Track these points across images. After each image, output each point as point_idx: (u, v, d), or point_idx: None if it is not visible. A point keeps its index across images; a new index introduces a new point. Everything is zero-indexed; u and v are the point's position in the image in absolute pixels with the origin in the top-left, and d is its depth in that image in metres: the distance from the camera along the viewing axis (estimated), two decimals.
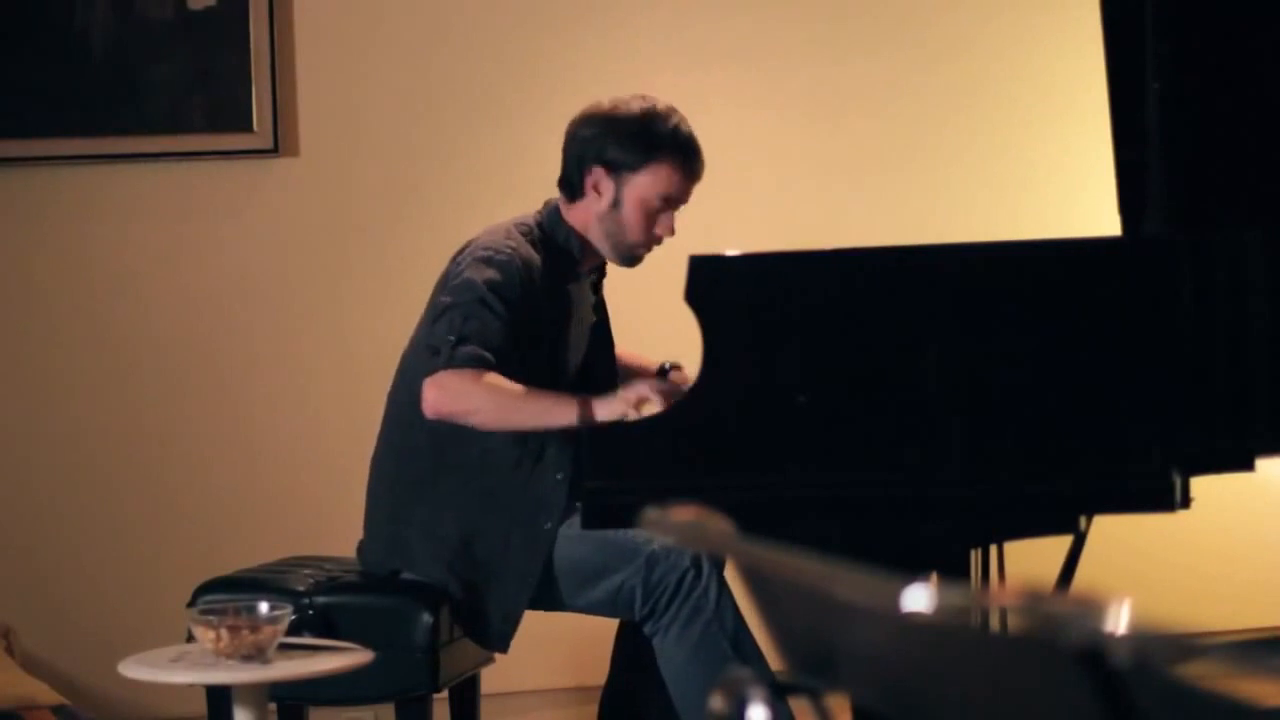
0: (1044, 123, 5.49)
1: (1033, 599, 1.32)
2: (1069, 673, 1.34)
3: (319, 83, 5.35)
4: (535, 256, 3.96)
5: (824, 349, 3.52)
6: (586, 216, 4.02)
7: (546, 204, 4.08)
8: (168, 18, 5.28)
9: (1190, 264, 3.52)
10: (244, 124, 5.29)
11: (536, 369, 3.85)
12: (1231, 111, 3.79)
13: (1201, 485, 3.58)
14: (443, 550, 3.99)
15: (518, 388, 3.79)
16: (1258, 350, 3.53)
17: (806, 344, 3.52)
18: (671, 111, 4.00)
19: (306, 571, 4.18)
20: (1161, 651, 1.27)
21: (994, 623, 1.51)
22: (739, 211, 5.35)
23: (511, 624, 3.98)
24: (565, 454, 3.90)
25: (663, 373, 4.22)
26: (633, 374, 4.29)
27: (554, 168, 4.10)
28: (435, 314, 3.92)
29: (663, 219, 4.00)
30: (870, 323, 3.52)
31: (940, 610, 1.45)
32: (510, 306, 3.85)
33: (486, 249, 3.93)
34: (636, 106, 3.99)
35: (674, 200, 4.00)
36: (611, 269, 4.20)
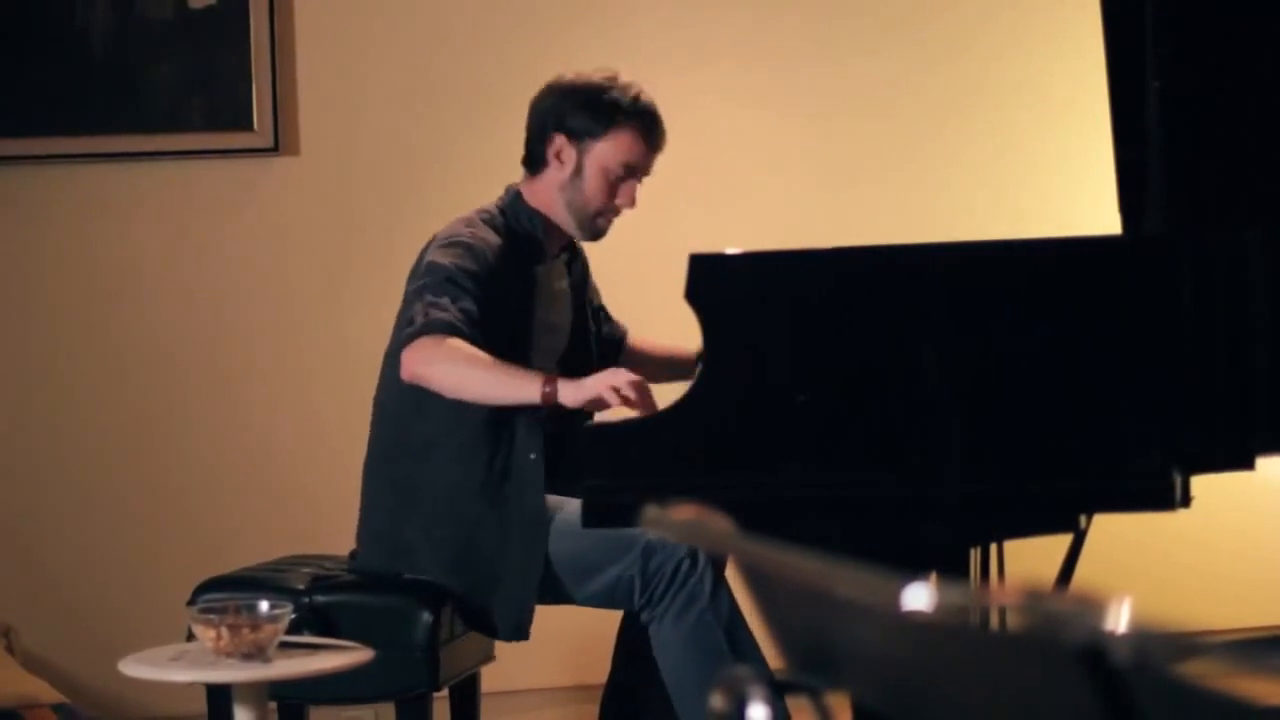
0: (1044, 122, 5.49)
1: (1033, 597, 1.32)
2: (1069, 672, 1.34)
3: (319, 82, 5.35)
4: (496, 240, 3.99)
5: (824, 347, 3.52)
6: (549, 190, 4.05)
7: (507, 190, 4.11)
8: (168, 17, 5.28)
9: (1190, 263, 3.52)
10: (244, 123, 5.29)
11: (501, 352, 3.87)
12: (1231, 110, 3.79)
13: (1202, 484, 3.58)
14: (443, 551, 3.99)
15: (487, 357, 3.81)
16: (1258, 349, 3.53)
17: (807, 342, 3.52)
18: (633, 82, 4.04)
19: (306, 570, 4.18)
20: (1162, 650, 1.27)
21: (994, 621, 1.51)
22: (740, 211, 5.35)
23: (527, 612, 3.97)
24: (534, 434, 3.92)
25: (700, 358, 4.21)
26: (671, 363, 4.30)
27: None
28: (407, 302, 3.94)
29: (624, 188, 4.03)
30: (871, 321, 3.52)
31: (940, 609, 1.45)
32: (478, 283, 3.88)
33: (448, 237, 3.98)
34: (598, 76, 4.04)
35: (635, 169, 4.03)
36: (588, 247, 4.21)
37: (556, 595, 3.99)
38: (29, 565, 5.25)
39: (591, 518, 3.57)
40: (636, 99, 4.01)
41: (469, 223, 4.02)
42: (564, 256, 4.18)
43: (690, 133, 5.16)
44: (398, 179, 5.35)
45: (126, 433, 5.30)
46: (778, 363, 3.51)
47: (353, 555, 4.19)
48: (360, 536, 4.17)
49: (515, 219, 4.05)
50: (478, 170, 5.29)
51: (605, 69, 4.06)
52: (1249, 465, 3.54)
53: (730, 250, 3.68)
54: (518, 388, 3.79)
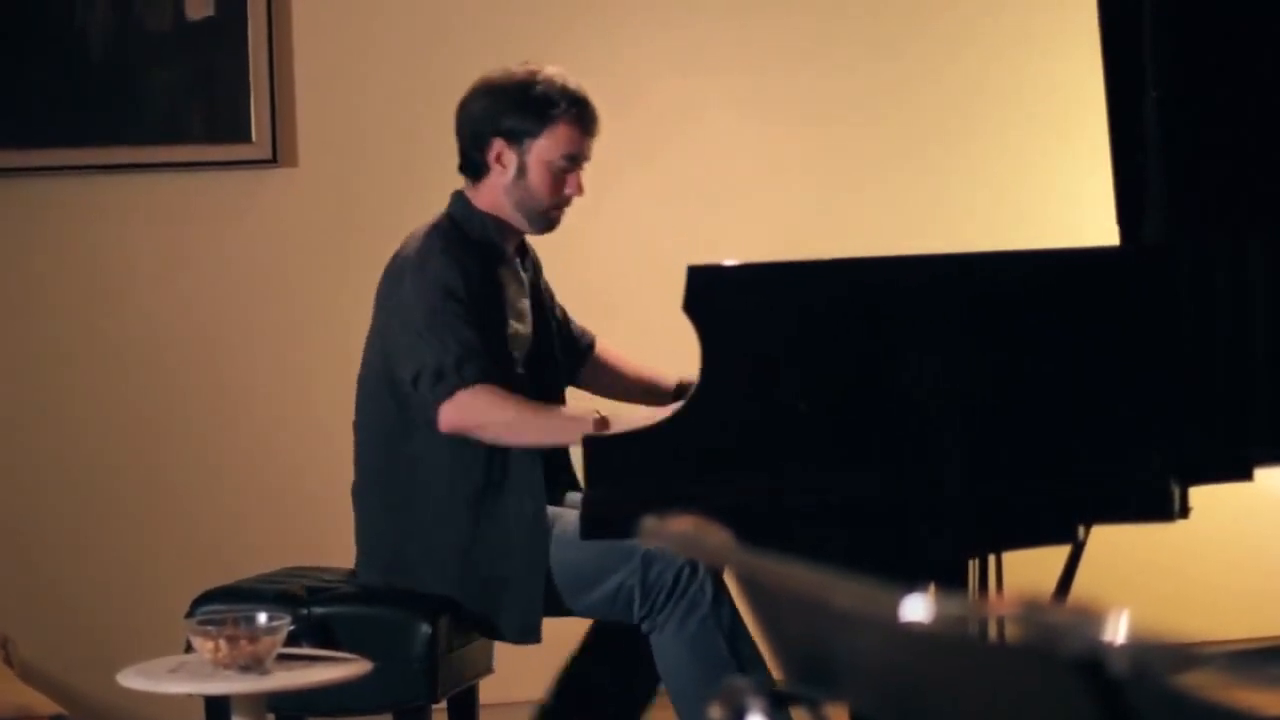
0: (1043, 128, 5.49)
1: (1031, 608, 1.32)
2: (1068, 682, 1.34)
3: (317, 93, 5.35)
4: (455, 253, 3.97)
5: (822, 358, 3.52)
6: (494, 193, 4.04)
7: (453, 198, 4.10)
8: (166, 27, 5.29)
9: (1189, 272, 3.52)
10: (243, 134, 5.29)
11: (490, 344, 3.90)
12: (1230, 116, 3.79)
13: (1200, 495, 3.58)
14: (447, 563, 3.99)
15: (529, 403, 3.85)
16: (1256, 359, 3.53)
17: (805, 353, 3.52)
18: (557, 71, 4.03)
19: (305, 581, 4.18)
20: (1160, 661, 1.27)
21: (992, 632, 1.51)
22: (737, 218, 5.35)
23: (535, 614, 3.96)
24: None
25: (680, 391, 4.20)
26: (648, 390, 4.31)
27: None
28: (407, 344, 3.94)
29: (570, 178, 4.02)
30: (868, 332, 3.52)
31: (939, 620, 1.45)
32: (468, 307, 3.89)
33: (418, 260, 3.96)
34: (521, 72, 4.02)
35: (576, 158, 4.02)
36: (535, 241, 4.22)
37: (556, 608, 3.99)
38: (27, 576, 5.25)
39: (591, 528, 3.57)
40: (565, 89, 3.99)
41: (429, 240, 3.99)
42: (519, 255, 4.17)
43: (687, 139, 5.18)
44: (395, 190, 5.34)
45: (125, 443, 5.29)
46: (776, 374, 3.51)
47: (353, 574, 4.18)
48: (359, 561, 4.16)
49: (469, 226, 4.04)
50: None
51: (525, 62, 4.04)
52: (1247, 476, 3.54)
53: (728, 262, 3.68)
54: (572, 430, 3.79)
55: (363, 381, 4.10)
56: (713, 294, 3.52)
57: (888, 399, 3.49)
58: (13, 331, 5.28)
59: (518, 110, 3.98)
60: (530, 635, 3.99)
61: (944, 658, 1.55)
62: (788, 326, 3.54)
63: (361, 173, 5.36)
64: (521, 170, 4.00)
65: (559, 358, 4.21)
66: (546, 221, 4.06)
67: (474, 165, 4.06)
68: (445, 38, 5.37)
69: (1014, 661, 1.44)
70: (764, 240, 5.26)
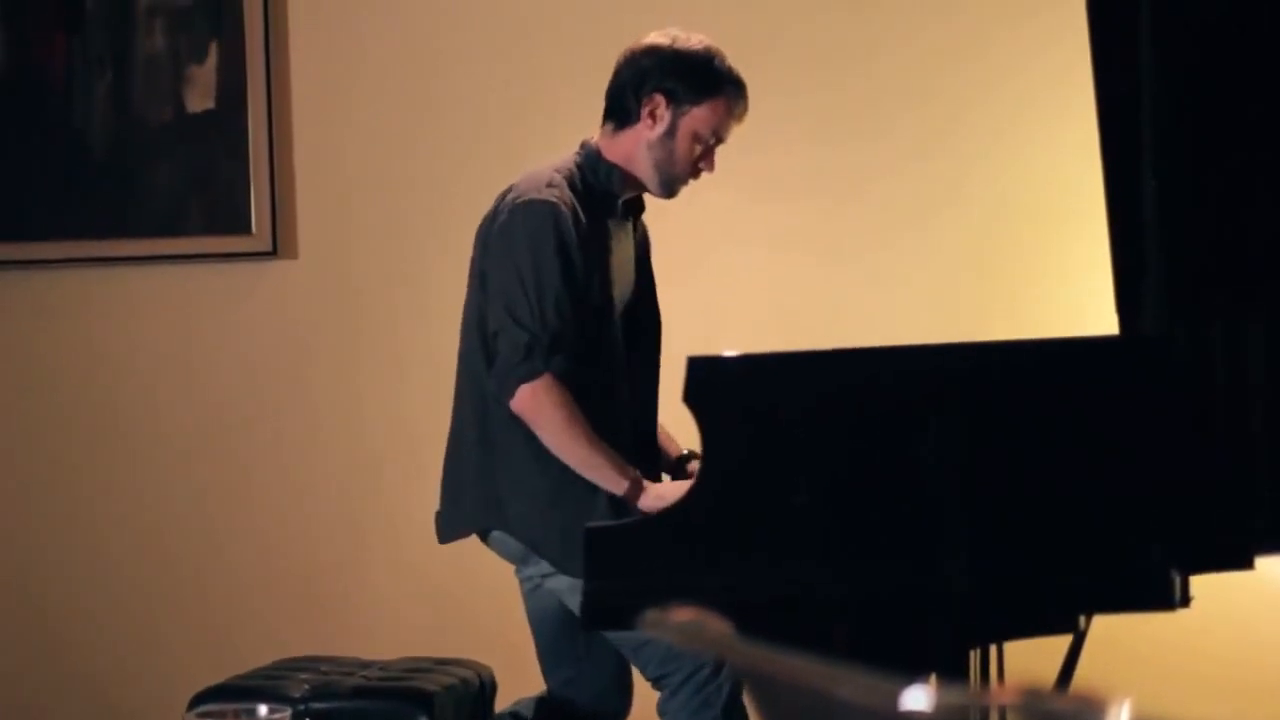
0: (1042, 210, 5.48)
1: (1033, 698, 1.32)
2: None
3: (317, 185, 5.37)
4: (573, 200, 4.00)
5: (822, 449, 3.52)
6: (633, 145, 4.08)
7: (584, 145, 4.12)
8: (166, 120, 5.32)
9: (1188, 361, 3.52)
10: (243, 226, 5.31)
11: (585, 312, 3.92)
12: (1229, 205, 3.80)
13: (1201, 584, 3.57)
14: (536, 503, 3.96)
15: (588, 431, 3.85)
16: (1257, 447, 3.53)
17: (805, 444, 3.52)
18: (723, 52, 4.09)
19: (304, 676, 4.16)
20: None
21: None
22: (730, 294, 5.34)
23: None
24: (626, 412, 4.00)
25: (682, 461, 4.21)
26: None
27: None
28: (503, 286, 3.93)
29: (709, 155, 4.08)
30: (869, 423, 3.52)
31: (940, 710, 1.44)
32: (575, 267, 3.92)
33: (530, 198, 3.98)
34: (698, 44, 4.08)
35: (720, 137, 4.09)
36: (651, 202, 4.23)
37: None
38: (24, 673, 5.23)
39: (592, 618, 3.56)
40: (733, 73, 4.07)
41: (551, 182, 4.01)
42: (630, 217, 4.19)
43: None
44: (394, 282, 5.36)
45: (126, 532, 5.29)
46: (777, 464, 3.51)
47: (438, 518, 4.13)
48: (448, 494, 4.11)
49: (593, 174, 4.08)
50: None
51: (698, 36, 4.09)
52: (1248, 565, 3.54)
53: (728, 353, 3.69)
54: (605, 477, 3.84)
55: (466, 318, 4.09)
56: (713, 385, 3.52)
57: (888, 490, 3.48)
58: (14, 422, 5.29)
59: (688, 75, 4.04)
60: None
61: None
62: (788, 417, 3.54)
63: (361, 264, 5.38)
64: (671, 132, 4.05)
65: (648, 317, 4.21)
66: (672, 188, 4.11)
67: (624, 112, 4.09)
68: (443, 131, 5.39)
69: None
70: (759, 317, 5.27)
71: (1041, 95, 5.32)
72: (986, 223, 5.41)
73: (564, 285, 3.89)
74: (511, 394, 3.88)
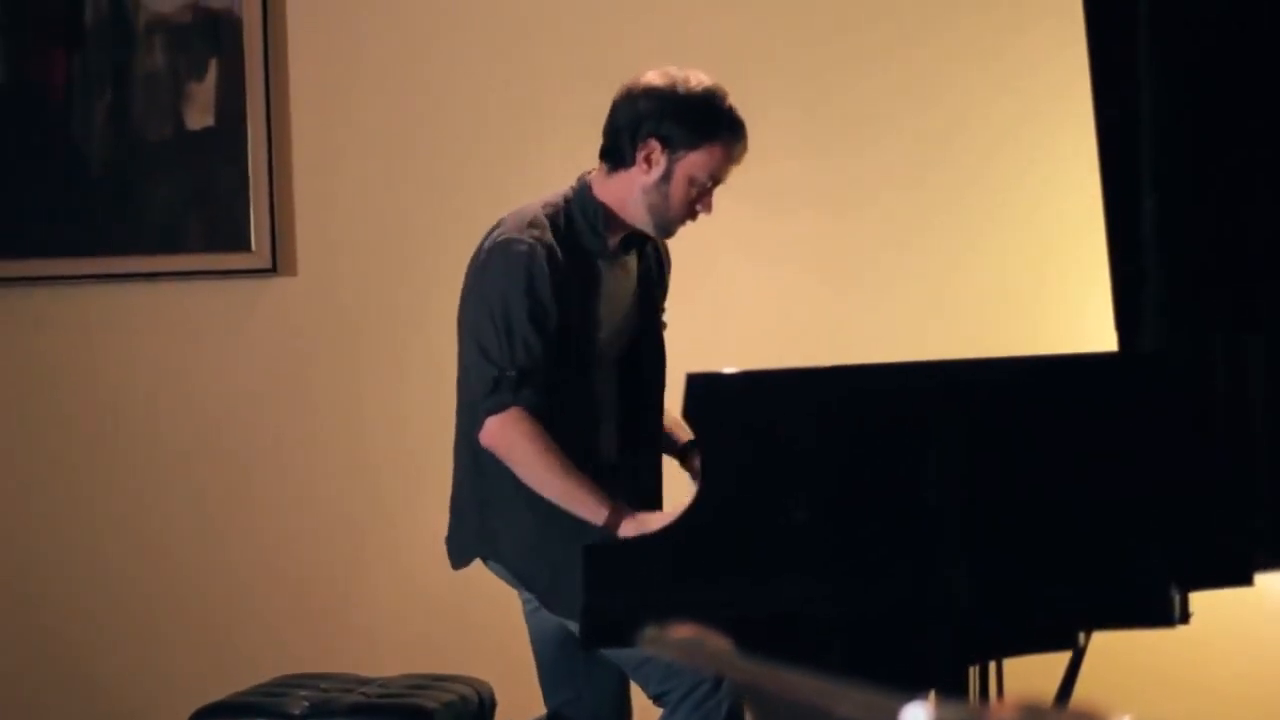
0: (1042, 223, 5.47)
1: (1032, 714, 1.32)
2: None
3: (316, 202, 5.37)
4: (552, 241, 3.97)
5: (822, 465, 3.52)
6: (627, 188, 4.03)
7: (580, 180, 4.08)
8: (166, 137, 5.32)
9: (1188, 376, 3.53)
10: (242, 243, 5.31)
11: (564, 352, 3.89)
12: (1228, 217, 3.80)
13: (1201, 600, 3.57)
14: (524, 539, 3.95)
15: (561, 460, 3.82)
16: (1257, 463, 3.53)
17: (805, 460, 3.52)
18: (725, 93, 4.02)
19: (303, 693, 4.16)
20: None
21: None
22: (735, 310, 5.33)
23: None
24: (613, 440, 3.98)
25: (687, 449, 4.18)
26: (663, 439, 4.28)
27: None
28: (478, 323, 3.92)
29: (706, 198, 4.03)
30: (868, 439, 3.52)
31: None
32: (544, 309, 3.89)
33: (509, 237, 3.96)
34: (697, 85, 4.00)
35: (717, 180, 4.04)
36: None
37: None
38: (24, 695, 5.23)
39: (591, 636, 3.56)
40: (731, 113, 4.00)
41: (533, 222, 3.98)
42: (631, 250, 4.16)
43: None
44: (394, 299, 5.36)
45: (127, 548, 5.29)
46: (776, 480, 3.51)
47: (448, 539, 4.11)
48: (452, 523, 4.11)
49: (581, 213, 4.04)
50: None
51: (700, 74, 4.03)
52: (1248, 581, 3.53)
53: (727, 369, 3.69)
54: (583, 507, 3.79)
55: (461, 348, 4.08)
56: (712, 402, 3.52)
57: (888, 504, 3.48)
58: (15, 439, 5.28)
59: (685, 120, 3.97)
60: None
61: None
62: (788, 433, 3.54)
63: (360, 282, 5.38)
64: (666, 177, 3.99)
65: (651, 357, 4.18)
66: (668, 230, 4.08)
67: (619, 155, 4.04)
68: (443, 150, 5.39)
69: None
70: (758, 331, 5.26)
71: (1041, 108, 5.31)
72: (986, 237, 5.40)
73: (532, 325, 3.86)
74: (480, 427, 3.87)
